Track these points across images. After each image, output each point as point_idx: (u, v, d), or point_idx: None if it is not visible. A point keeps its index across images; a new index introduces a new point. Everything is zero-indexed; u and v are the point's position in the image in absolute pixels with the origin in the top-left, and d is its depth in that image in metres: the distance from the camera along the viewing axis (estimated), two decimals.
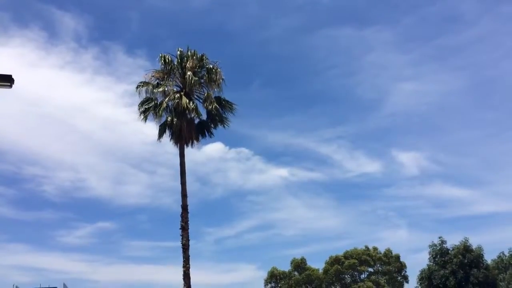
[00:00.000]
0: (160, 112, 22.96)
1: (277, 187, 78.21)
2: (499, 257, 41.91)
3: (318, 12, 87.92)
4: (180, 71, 23.80)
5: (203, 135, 24.27)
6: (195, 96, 24.03)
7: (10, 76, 7.11)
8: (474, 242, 34.53)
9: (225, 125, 24.11)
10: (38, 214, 71.16)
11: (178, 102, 22.72)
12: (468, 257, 33.28)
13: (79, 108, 72.69)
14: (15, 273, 58.55)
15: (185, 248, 21.75)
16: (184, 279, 21.52)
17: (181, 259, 21.72)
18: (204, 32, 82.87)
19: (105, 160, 77.65)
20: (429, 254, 35.18)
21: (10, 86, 7.11)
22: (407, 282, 47.35)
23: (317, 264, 49.69)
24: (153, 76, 23.51)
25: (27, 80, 54.52)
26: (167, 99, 23.17)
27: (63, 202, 71.76)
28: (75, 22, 75.71)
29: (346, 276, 47.91)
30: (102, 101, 74.51)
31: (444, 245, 34.85)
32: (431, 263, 35.04)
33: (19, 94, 49.09)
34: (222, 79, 23.36)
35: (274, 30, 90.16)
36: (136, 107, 23.66)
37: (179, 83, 23.97)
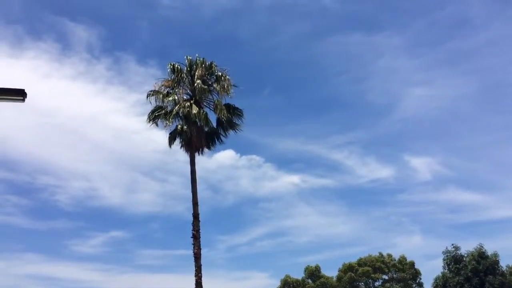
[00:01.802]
0: (170, 120, 23.13)
1: (289, 194, 78.01)
2: None
3: (327, 18, 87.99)
4: (189, 79, 24.01)
5: (213, 143, 24.35)
6: (205, 104, 24.18)
7: (23, 90, 7.08)
8: (489, 248, 34.01)
9: (236, 130, 24.15)
10: (51, 223, 71.66)
11: (188, 110, 22.85)
12: (483, 263, 32.70)
13: (91, 118, 73.58)
14: (30, 283, 59.12)
15: (197, 257, 21.72)
16: None
17: (194, 268, 21.78)
18: (214, 41, 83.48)
19: (117, 169, 78.25)
20: (443, 261, 34.71)
21: (23, 100, 7.11)
22: None
23: (330, 272, 49.29)
24: (163, 85, 23.69)
25: (41, 91, 55.44)
26: (177, 107, 23.32)
27: (76, 211, 72.25)
28: (87, 33, 76.74)
29: (360, 284, 47.41)
30: (115, 111, 75.28)
31: (458, 251, 34.35)
32: (446, 270, 34.56)
33: (33, 105, 49.78)
34: (232, 86, 23.48)
35: (283, 37, 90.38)
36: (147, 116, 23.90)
37: (189, 91, 24.17)
